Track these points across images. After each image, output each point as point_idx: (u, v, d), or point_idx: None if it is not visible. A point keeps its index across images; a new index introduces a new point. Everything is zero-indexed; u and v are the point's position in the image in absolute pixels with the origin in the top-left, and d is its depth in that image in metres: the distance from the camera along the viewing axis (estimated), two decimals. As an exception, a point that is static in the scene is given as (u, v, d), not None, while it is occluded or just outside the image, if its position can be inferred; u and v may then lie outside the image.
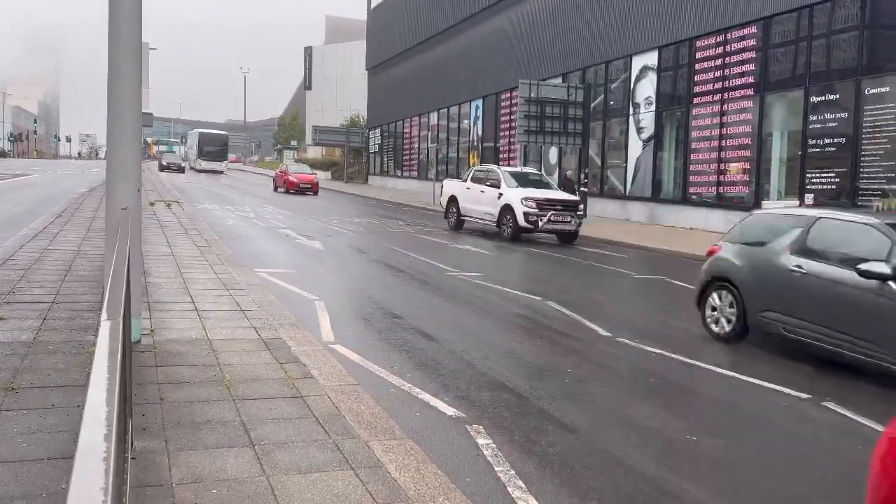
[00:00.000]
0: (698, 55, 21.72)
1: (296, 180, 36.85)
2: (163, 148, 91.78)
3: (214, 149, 64.19)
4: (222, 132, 70.39)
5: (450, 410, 5.12)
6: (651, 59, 23.86)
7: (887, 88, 16.04)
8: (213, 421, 4.32)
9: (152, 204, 20.76)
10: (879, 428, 5.18)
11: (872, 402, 5.85)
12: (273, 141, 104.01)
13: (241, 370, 5.35)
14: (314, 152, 72.19)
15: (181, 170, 58.96)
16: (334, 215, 23.57)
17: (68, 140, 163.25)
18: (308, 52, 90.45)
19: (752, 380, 6.30)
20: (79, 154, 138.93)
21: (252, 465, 3.74)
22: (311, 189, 36.59)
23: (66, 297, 7.49)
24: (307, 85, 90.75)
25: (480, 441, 4.57)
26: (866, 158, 16.42)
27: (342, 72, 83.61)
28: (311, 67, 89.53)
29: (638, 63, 24.51)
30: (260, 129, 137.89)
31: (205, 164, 60.47)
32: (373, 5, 55.60)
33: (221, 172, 58.29)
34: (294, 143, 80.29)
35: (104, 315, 2.29)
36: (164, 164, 58.96)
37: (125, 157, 5.85)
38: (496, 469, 4.17)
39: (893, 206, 15.25)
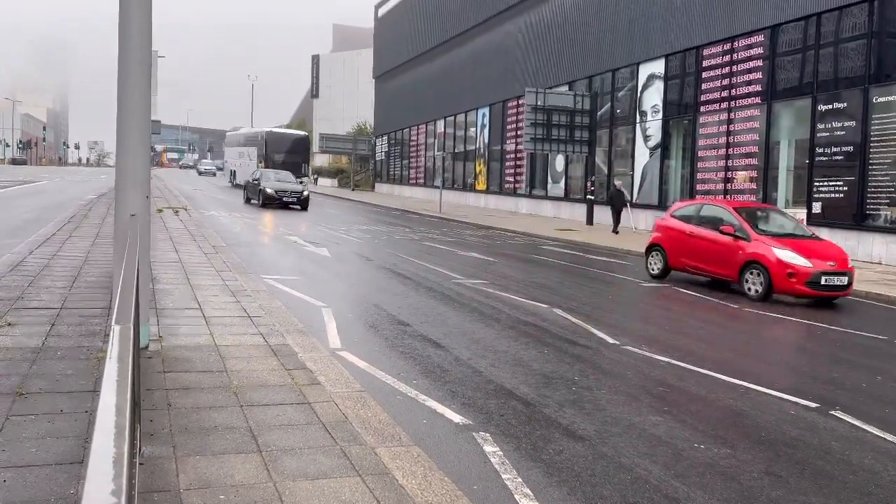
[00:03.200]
0: (705, 63, 21.71)
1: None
2: (174, 155, 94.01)
3: (290, 158, 41.75)
4: (299, 132, 47.62)
5: (457, 418, 5.12)
6: (658, 67, 23.87)
7: (894, 97, 16.00)
8: (220, 427, 4.33)
9: (160, 211, 20.85)
10: (888, 437, 5.15)
11: (881, 412, 5.81)
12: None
13: (249, 376, 5.36)
14: (321, 160, 72.40)
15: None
16: (341, 223, 23.62)
17: (76, 147, 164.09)
18: (315, 60, 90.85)
19: (760, 388, 6.27)
20: (79, 160, 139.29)
21: (259, 471, 3.74)
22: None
23: (75, 303, 7.52)
24: (314, 93, 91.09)
25: (488, 448, 4.57)
26: (874, 167, 16.37)
27: (349, 80, 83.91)
28: (318, 75, 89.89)
29: (645, 71, 24.52)
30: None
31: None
32: (380, 14, 55.83)
33: (302, 207, 29.23)
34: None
35: (114, 320, 2.30)
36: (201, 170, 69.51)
37: (134, 165, 5.89)
38: (503, 476, 4.16)
39: None
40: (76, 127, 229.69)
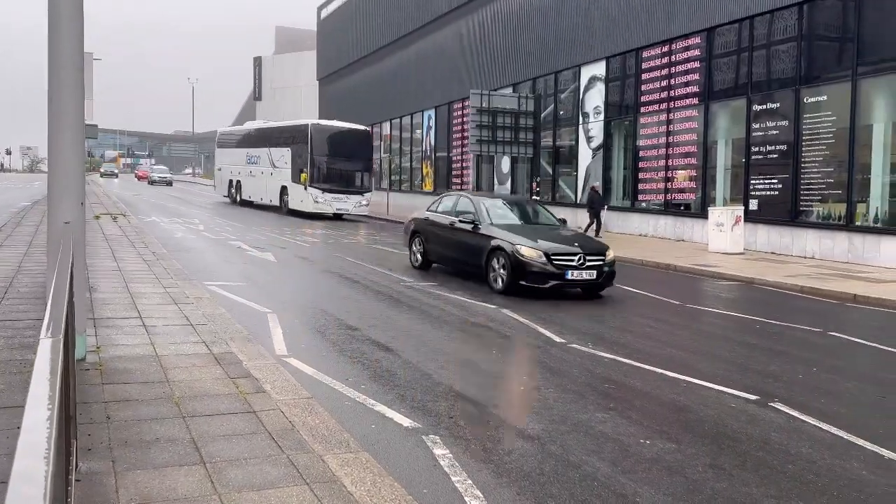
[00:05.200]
0: (644, 65, 22.16)
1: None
2: (130, 161, 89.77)
3: (349, 164, 28.28)
4: (358, 126, 30.15)
5: (406, 421, 5.09)
6: (599, 69, 24.25)
7: (824, 97, 16.60)
8: (162, 439, 4.21)
9: (97, 217, 20.24)
10: (823, 427, 5.32)
11: (817, 402, 6.01)
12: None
13: (192, 386, 5.23)
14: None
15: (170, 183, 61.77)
16: (287, 226, 23.31)
17: (8, 153, 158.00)
18: (258, 62, 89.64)
19: (702, 382, 6.41)
20: (2, 167, 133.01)
21: (203, 484, 3.65)
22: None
23: (6, 314, 7.23)
24: (257, 95, 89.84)
25: (437, 451, 4.55)
26: (806, 165, 16.95)
27: (292, 82, 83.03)
28: (260, 78, 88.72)
29: (586, 73, 24.89)
30: (209, 141, 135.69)
31: (327, 198, 27.15)
32: (322, 16, 55.39)
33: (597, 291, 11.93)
34: (244, 154, 79.24)
35: (44, 332, 2.21)
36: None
37: (68, 170, 5.69)
38: (453, 479, 4.15)
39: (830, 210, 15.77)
40: (9, 131, 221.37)
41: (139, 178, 77.12)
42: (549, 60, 26.99)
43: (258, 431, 4.41)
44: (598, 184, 22.91)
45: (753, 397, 6.02)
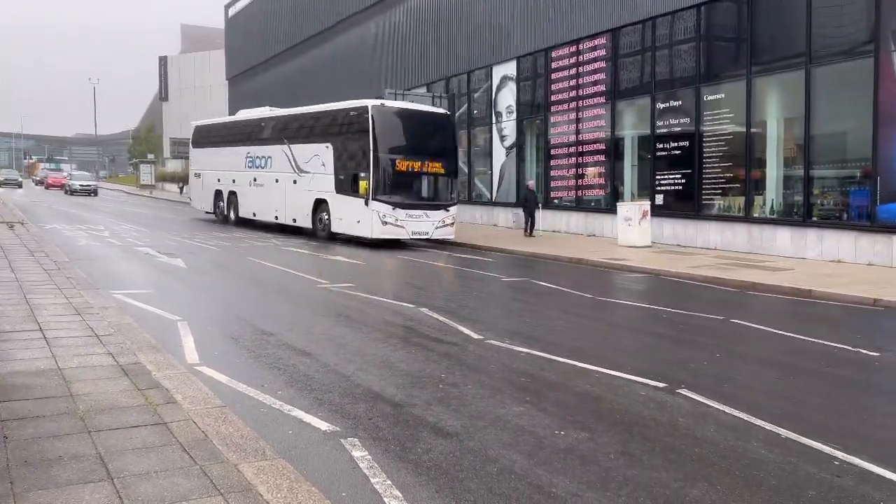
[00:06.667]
0: (554, 65, 22.66)
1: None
2: (50, 166, 79.91)
3: (427, 169, 19.02)
4: (438, 109, 20.68)
5: (324, 425, 5.04)
6: (510, 69, 24.64)
7: (722, 95, 17.40)
8: (65, 456, 4.03)
9: (-9, 226, 19.11)
10: (727, 410, 5.59)
11: (720, 387, 6.30)
12: (128, 155, 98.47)
13: (98, 400, 5.02)
14: (174, 165, 69.06)
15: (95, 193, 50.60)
16: (197, 231, 22.65)
17: None
18: (163, 61, 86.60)
19: (613, 372, 6.62)
20: None
21: (111, 500, 3.51)
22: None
23: None
24: (163, 96, 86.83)
25: (356, 454, 4.53)
26: (707, 160, 17.73)
27: (201, 81, 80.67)
28: (166, 77, 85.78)
29: (498, 73, 25.24)
30: (113, 143, 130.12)
31: (400, 216, 18.43)
32: (230, 14, 54.05)
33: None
34: (151, 156, 76.35)
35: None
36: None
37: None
38: (372, 481, 4.15)
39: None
40: None
41: (49, 186, 62.19)
42: (461, 60, 27.23)
43: (169, 443, 4.28)
44: (532, 182, 22.65)
45: (662, 385, 6.26)
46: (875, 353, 7.77)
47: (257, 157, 23.92)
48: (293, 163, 21.63)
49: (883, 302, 10.61)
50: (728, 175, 17.33)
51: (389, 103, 19.62)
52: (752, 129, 16.70)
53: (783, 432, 5.13)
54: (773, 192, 16.53)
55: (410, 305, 9.95)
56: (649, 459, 4.62)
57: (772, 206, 16.48)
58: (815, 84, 15.28)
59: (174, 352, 6.76)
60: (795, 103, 15.79)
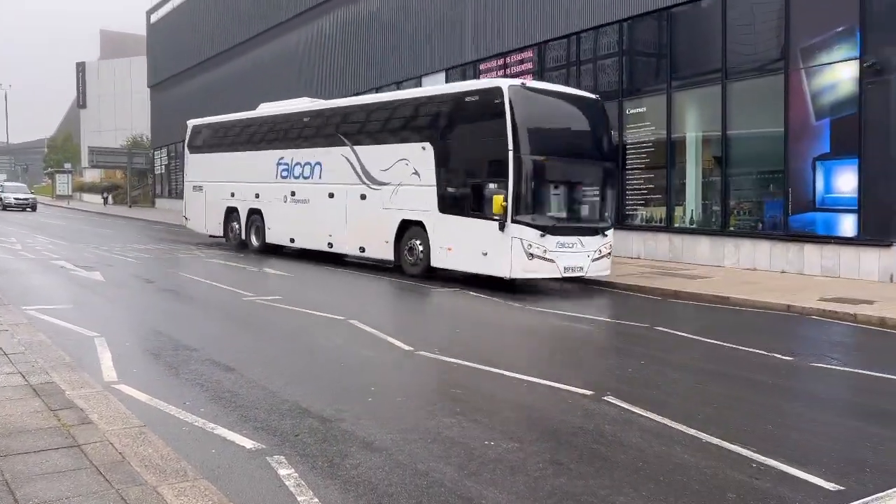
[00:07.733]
0: (482, 78, 22.89)
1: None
2: None
3: (581, 180, 13.65)
4: (588, 94, 14.82)
5: (249, 443, 4.91)
6: (439, 80, 24.76)
7: (644, 108, 17.94)
8: (-32, 485, 3.78)
9: None
10: (651, 416, 5.71)
11: (645, 394, 6.44)
12: (43, 164, 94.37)
13: (5, 423, 4.75)
14: (92, 175, 66.65)
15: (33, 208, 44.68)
16: (116, 242, 21.85)
17: None
18: (81, 67, 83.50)
19: (542, 381, 6.69)
20: None
21: (18, 531, 3.32)
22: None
23: None
24: (81, 103, 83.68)
25: (282, 472, 4.42)
26: (630, 172, 18.21)
27: (121, 89, 78.16)
28: (84, 84, 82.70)
29: (428, 84, 25.33)
30: (27, 152, 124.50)
31: (551, 246, 12.59)
32: (153, 20, 52.62)
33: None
34: (68, 165, 73.40)
35: None
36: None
37: None
38: (299, 499, 4.05)
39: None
40: None
41: None
42: (390, 71, 27.22)
43: (83, 466, 4.08)
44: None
45: (589, 392, 6.35)
46: (789, 358, 8.10)
47: (297, 163, 18.14)
48: (360, 171, 16.04)
49: (795, 308, 11.09)
50: (650, 186, 17.85)
51: (532, 83, 14.39)
52: (673, 142, 17.26)
53: (705, 437, 5.27)
54: (692, 203, 17.11)
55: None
56: (577, 467, 4.67)
57: (692, 217, 17.05)
58: (731, 99, 15.92)
59: (90, 370, 6.47)
60: (713, 117, 16.41)
